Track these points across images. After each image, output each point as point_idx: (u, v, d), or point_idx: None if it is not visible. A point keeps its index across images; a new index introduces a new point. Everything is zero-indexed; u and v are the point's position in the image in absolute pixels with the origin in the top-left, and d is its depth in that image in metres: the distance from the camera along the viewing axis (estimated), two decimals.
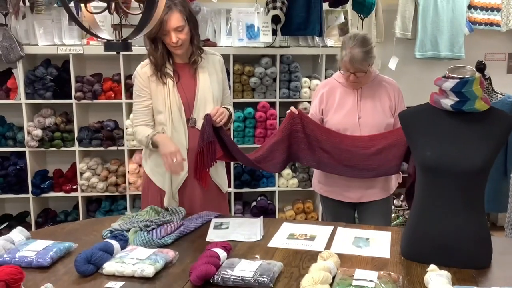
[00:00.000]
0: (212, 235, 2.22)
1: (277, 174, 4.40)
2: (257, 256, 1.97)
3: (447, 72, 1.88)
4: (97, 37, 1.88)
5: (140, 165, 4.30)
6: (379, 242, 2.12)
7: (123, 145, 4.30)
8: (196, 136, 2.49)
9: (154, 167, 2.61)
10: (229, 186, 2.78)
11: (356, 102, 2.68)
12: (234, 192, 4.43)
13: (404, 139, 2.41)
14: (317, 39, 4.35)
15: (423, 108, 2.00)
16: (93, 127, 4.31)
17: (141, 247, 2.01)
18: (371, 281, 1.66)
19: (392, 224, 3.33)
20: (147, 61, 2.55)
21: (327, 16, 4.45)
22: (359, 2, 4.13)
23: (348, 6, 4.33)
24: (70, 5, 1.96)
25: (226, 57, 2.75)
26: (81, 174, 4.32)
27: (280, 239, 2.17)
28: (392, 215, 3.02)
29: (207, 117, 2.44)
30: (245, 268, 1.77)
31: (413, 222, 1.99)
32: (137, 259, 1.86)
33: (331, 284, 1.67)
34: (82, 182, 4.30)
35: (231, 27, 4.27)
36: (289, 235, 2.22)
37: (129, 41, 1.85)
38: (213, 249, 1.88)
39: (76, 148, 4.27)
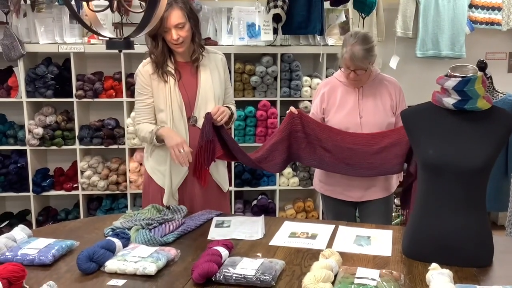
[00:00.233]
0: (214, 233, 2.23)
1: (277, 173, 4.40)
2: (259, 254, 1.98)
3: (449, 71, 1.88)
4: (99, 35, 1.89)
5: (141, 164, 4.30)
6: (381, 241, 2.13)
7: (124, 144, 4.30)
8: (197, 135, 2.49)
9: (155, 166, 2.61)
10: (230, 185, 2.77)
11: (357, 101, 2.68)
12: (235, 191, 4.44)
13: (405, 138, 2.41)
14: (318, 38, 4.35)
15: (425, 107, 2.00)
16: (94, 126, 4.31)
17: (143, 245, 2.01)
18: (373, 279, 1.66)
19: (393, 223, 3.33)
20: (148, 59, 2.55)
21: (328, 15, 4.45)
22: (360, 1, 4.12)
23: (349, 5, 4.33)
24: (71, 3, 1.96)
25: (227, 56, 2.75)
26: (82, 172, 4.32)
27: (282, 238, 2.17)
28: (393, 214, 3.02)
29: (208, 116, 2.44)
30: (247, 266, 1.77)
31: (414, 220, 1.99)
32: (139, 257, 1.86)
33: (333, 283, 1.67)
34: (83, 180, 4.30)
35: (232, 25, 4.28)
36: (291, 233, 2.22)
37: (131, 39, 1.85)
38: (215, 247, 1.88)
39: (77, 146, 4.28)
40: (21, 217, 4.45)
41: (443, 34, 4.53)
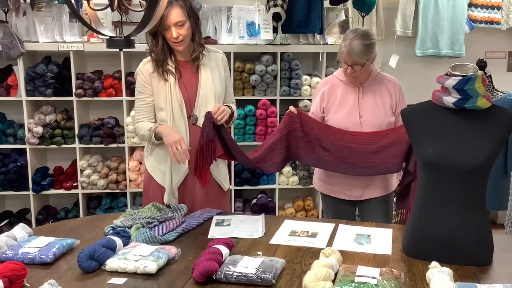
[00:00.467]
0: (214, 232, 2.23)
1: (276, 172, 4.40)
2: (259, 253, 1.98)
3: (450, 70, 1.89)
4: (100, 33, 1.89)
5: (140, 163, 4.31)
6: (381, 239, 2.13)
7: (124, 143, 4.30)
8: (197, 134, 2.50)
9: (156, 164, 2.61)
10: (230, 184, 2.77)
11: (357, 101, 2.67)
12: (235, 190, 4.44)
13: (404, 138, 2.42)
14: (317, 36, 4.35)
15: (425, 106, 2.01)
16: (93, 124, 4.31)
17: (144, 243, 2.01)
18: (373, 277, 1.66)
19: (393, 221, 3.33)
20: (149, 58, 2.55)
21: (328, 13, 4.45)
22: (360, 0, 4.13)
23: (349, 4, 4.33)
24: (71, 1, 1.96)
25: (226, 55, 2.75)
26: (82, 171, 4.32)
27: (282, 236, 2.18)
28: (393, 212, 3.02)
29: (208, 115, 2.44)
30: (247, 265, 1.78)
31: (415, 219, 1.99)
32: (140, 256, 1.86)
33: (333, 281, 1.68)
34: (83, 179, 4.30)
35: (232, 24, 4.27)
36: (291, 232, 2.22)
37: (132, 38, 1.85)
38: (216, 246, 1.88)
39: (77, 145, 4.28)
40: (21, 216, 4.45)
41: (442, 33, 4.53)
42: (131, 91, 4.12)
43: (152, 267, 1.80)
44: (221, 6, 4.35)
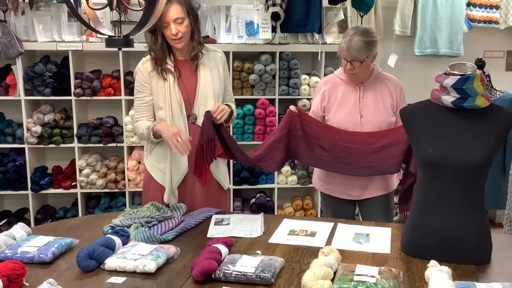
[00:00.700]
0: (213, 231, 2.23)
1: (276, 171, 4.40)
2: (258, 252, 1.98)
3: (448, 69, 1.89)
4: (99, 33, 1.89)
5: (139, 162, 4.31)
6: (380, 238, 2.13)
7: (123, 142, 4.30)
8: (196, 133, 2.50)
9: (155, 164, 2.61)
10: (229, 183, 2.77)
11: (358, 100, 2.67)
12: (233, 189, 4.44)
13: (404, 138, 2.42)
14: (316, 36, 4.35)
15: (424, 105, 2.01)
16: (92, 124, 4.31)
17: (143, 242, 2.01)
18: (372, 276, 1.66)
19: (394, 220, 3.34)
20: (148, 57, 2.55)
21: (327, 13, 4.45)
22: None
23: (348, 3, 4.32)
24: (70, 0, 1.96)
25: (225, 54, 2.75)
26: (80, 170, 4.32)
27: (281, 235, 2.18)
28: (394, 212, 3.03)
29: (207, 114, 2.44)
30: (246, 264, 1.78)
31: (413, 218, 2.00)
32: (139, 255, 1.86)
33: (332, 280, 1.68)
34: (81, 178, 4.30)
35: (231, 24, 4.27)
36: (290, 231, 2.23)
37: (131, 37, 1.85)
38: (215, 245, 1.88)
39: (75, 144, 4.27)
40: (20, 216, 4.45)
41: (441, 32, 4.54)
42: (130, 90, 4.12)
43: (151, 266, 1.80)
44: (220, 5, 4.35)
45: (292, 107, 2.63)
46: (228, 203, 2.82)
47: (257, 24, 4.18)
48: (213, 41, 4.22)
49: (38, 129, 4.18)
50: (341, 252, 1.90)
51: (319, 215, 4.50)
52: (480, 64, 3.47)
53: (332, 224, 2.30)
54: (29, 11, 4.10)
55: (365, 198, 2.75)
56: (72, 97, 4.18)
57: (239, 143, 2.66)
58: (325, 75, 4.33)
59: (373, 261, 1.92)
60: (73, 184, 4.34)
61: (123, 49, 2.10)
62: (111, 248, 1.90)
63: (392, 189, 2.79)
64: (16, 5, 4.04)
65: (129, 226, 2.18)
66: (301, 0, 4.09)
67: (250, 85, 4.32)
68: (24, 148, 4.24)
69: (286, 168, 4.46)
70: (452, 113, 1.91)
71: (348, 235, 2.17)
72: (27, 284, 1.71)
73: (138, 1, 2.07)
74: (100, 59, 4.38)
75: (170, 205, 2.47)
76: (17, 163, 4.27)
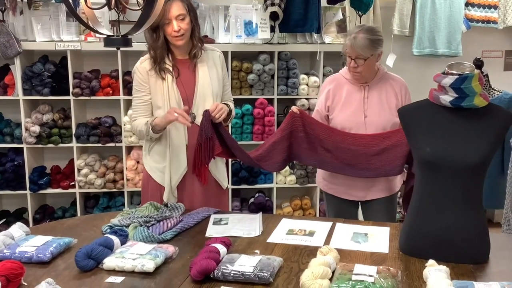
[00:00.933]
0: (212, 230, 2.23)
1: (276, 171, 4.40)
2: (256, 251, 1.98)
3: (446, 69, 1.89)
4: (97, 32, 1.89)
5: (138, 162, 4.30)
6: (378, 238, 2.13)
7: (121, 142, 4.30)
8: (195, 132, 2.50)
9: (154, 163, 2.61)
10: (228, 183, 2.77)
11: (363, 100, 2.65)
12: (232, 189, 4.44)
13: (406, 140, 2.41)
14: (315, 36, 4.35)
15: (422, 104, 2.01)
16: (91, 124, 4.30)
17: (141, 242, 2.01)
18: (370, 275, 1.66)
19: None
20: (146, 56, 2.55)
21: (325, 13, 4.45)
22: None
23: (346, 3, 4.33)
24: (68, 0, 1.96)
25: (224, 54, 2.75)
26: (79, 170, 4.31)
27: (280, 235, 2.18)
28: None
29: (206, 113, 2.44)
30: (245, 263, 1.78)
31: (412, 217, 2.00)
32: (137, 254, 1.86)
33: (330, 279, 1.68)
34: (80, 178, 4.30)
35: (229, 23, 4.27)
36: (288, 230, 2.23)
37: (129, 37, 1.85)
38: (213, 245, 1.89)
39: (74, 144, 4.27)
40: (18, 215, 4.44)
41: (439, 32, 4.54)
42: (128, 90, 4.12)
43: (149, 265, 1.80)
44: (218, 5, 4.34)
45: (294, 108, 2.62)
46: (227, 202, 2.82)
47: (256, 24, 4.18)
48: (212, 41, 4.21)
49: (36, 129, 4.17)
50: (340, 251, 1.90)
51: (317, 215, 4.51)
52: (479, 64, 3.46)
53: (330, 223, 2.30)
54: (28, 10, 4.10)
55: (368, 199, 2.74)
56: (71, 97, 4.17)
57: (237, 142, 2.66)
58: (323, 75, 4.34)
59: (372, 260, 1.92)
60: (71, 184, 4.34)
61: (122, 48, 2.10)
62: (109, 248, 1.90)
63: (395, 191, 2.77)
64: (15, 5, 4.03)
65: (127, 226, 2.17)
66: (299, 0, 4.09)
67: (248, 84, 4.32)
68: (22, 148, 4.23)
69: (285, 168, 4.46)
70: (451, 112, 1.91)
71: (347, 234, 2.18)
72: (26, 284, 1.71)
73: (137, 1, 2.06)
74: (98, 59, 4.38)
75: (169, 205, 2.47)
76: (15, 163, 4.27)
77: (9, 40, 3.96)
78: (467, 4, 4.63)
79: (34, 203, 4.39)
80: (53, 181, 4.38)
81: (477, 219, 1.92)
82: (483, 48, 4.90)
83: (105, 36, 1.87)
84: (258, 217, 2.37)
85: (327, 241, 2.10)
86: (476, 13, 4.67)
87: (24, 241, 1.99)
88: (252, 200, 4.54)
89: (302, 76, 4.38)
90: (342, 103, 2.68)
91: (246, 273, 1.73)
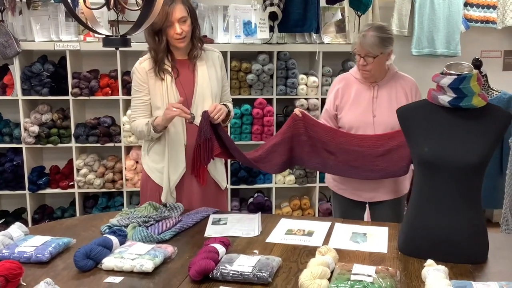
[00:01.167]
0: (211, 230, 2.23)
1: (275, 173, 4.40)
2: (255, 251, 1.98)
3: (445, 69, 1.89)
4: (96, 32, 1.89)
5: (137, 162, 4.30)
6: (377, 238, 2.14)
7: (120, 142, 4.30)
8: (194, 132, 2.50)
9: (153, 164, 2.61)
10: (227, 183, 2.77)
11: (372, 100, 2.63)
12: (231, 189, 4.44)
13: None
14: (314, 36, 4.36)
15: (420, 104, 2.02)
16: (90, 124, 4.30)
17: (140, 242, 2.01)
18: (369, 275, 1.67)
19: None
20: (145, 56, 2.55)
21: (324, 13, 4.45)
22: None
23: (345, 3, 4.34)
24: (67, 0, 1.96)
25: (223, 54, 2.75)
26: (78, 170, 4.31)
27: (278, 235, 2.18)
28: None
29: (205, 114, 2.44)
30: (244, 263, 1.78)
31: (410, 217, 2.00)
32: (136, 254, 1.86)
33: (329, 279, 1.68)
34: (79, 178, 4.30)
35: (228, 23, 4.27)
36: (287, 230, 2.23)
37: (128, 37, 1.85)
38: (212, 245, 1.89)
39: (73, 144, 4.27)
40: (17, 215, 4.44)
41: (438, 32, 4.55)
42: (127, 90, 4.12)
43: (148, 265, 1.80)
44: (217, 5, 4.35)
45: (296, 110, 2.61)
46: (225, 203, 2.82)
47: (255, 24, 4.19)
48: (211, 41, 4.22)
49: (35, 129, 4.17)
50: (338, 251, 1.90)
51: (316, 215, 4.51)
52: (477, 64, 3.47)
53: (329, 223, 2.30)
54: (27, 10, 4.10)
55: (376, 200, 2.71)
56: (70, 97, 4.17)
57: (236, 143, 2.66)
58: (322, 75, 4.35)
59: (370, 260, 1.92)
60: (70, 184, 4.34)
61: (121, 48, 2.10)
62: (108, 248, 1.90)
63: (403, 192, 2.73)
64: (14, 5, 4.04)
65: (126, 226, 2.17)
66: (298, 0, 4.10)
67: (247, 84, 4.32)
68: (21, 148, 4.23)
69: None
70: (449, 112, 1.92)
71: (345, 234, 2.18)
72: (24, 284, 1.71)
73: (136, 1, 2.06)
74: (97, 59, 4.38)
75: (168, 205, 2.47)
76: (14, 163, 4.27)
77: (8, 40, 3.96)
78: (466, 4, 4.64)
79: (33, 203, 4.39)
80: (52, 181, 4.38)
81: (476, 219, 1.92)
82: (482, 48, 4.90)
83: (104, 36, 1.87)
84: (257, 217, 2.37)
85: (326, 241, 2.10)
86: (475, 13, 4.68)
87: (23, 241, 1.99)
88: (251, 200, 4.54)
89: (301, 76, 4.38)
90: (351, 103, 2.66)
91: (245, 273, 1.73)
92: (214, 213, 2.45)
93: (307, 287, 1.62)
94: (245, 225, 2.28)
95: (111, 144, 4.31)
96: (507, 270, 1.88)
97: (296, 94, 4.37)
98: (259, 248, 2.03)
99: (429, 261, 1.77)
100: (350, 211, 2.75)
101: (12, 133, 4.24)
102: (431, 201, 1.93)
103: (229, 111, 2.62)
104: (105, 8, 1.82)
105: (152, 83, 2.53)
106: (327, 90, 4.34)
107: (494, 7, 4.67)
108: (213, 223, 2.32)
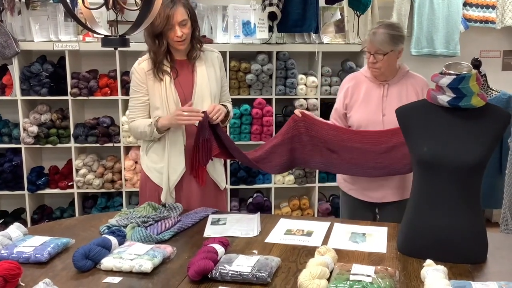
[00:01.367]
0: (210, 231, 2.23)
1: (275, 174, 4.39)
2: (254, 251, 1.98)
3: (444, 69, 1.89)
4: (95, 33, 1.89)
5: (136, 162, 4.30)
6: (376, 238, 2.13)
7: (119, 142, 4.30)
8: (193, 133, 2.50)
9: (152, 164, 2.61)
10: (226, 183, 2.77)
11: (381, 98, 2.61)
12: (230, 189, 4.44)
13: None
14: (313, 36, 4.36)
15: (420, 104, 2.02)
16: (89, 124, 4.30)
17: (139, 242, 2.01)
18: (368, 275, 1.66)
19: None
20: (144, 57, 2.55)
21: (323, 13, 4.45)
22: None
23: (344, 3, 4.34)
24: (66, 0, 1.96)
25: (222, 54, 2.75)
26: (77, 170, 4.31)
27: (278, 235, 2.18)
28: None
29: (203, 115, 2.44)
30: (243, 263, 1.78)
31: (409, 217, 2.00)
32: (135, 255, 1.86)
33: (328, 279, 1.68)
34: (78, 178, 4.29)
35: (228, 23, 4.27)
36: (286, 230, 2.23)
37: (127, 37, 1.85)
38: (211, 245, 1.88)
39: (72, 144, 4.27)
40: (16, 216, 4.44)
41: (437, 32, 4.55)
42: (126, 90, 4.12)
43: (147, 266, 1.80)
44: (216, 5, 4.35)
45: (296, 111, 2.61)
46: (225, 203, 2.82)
47: (254, 24, 4.19)
48: (210, 41, 4.22)
49: (34, 129, 4.17)
50: (338, 251, 1.90)
51: (316, 215, 4.51)
52: (477, 63, 3.47)
53: (328, 223, 2.30)
54: (26, 10, 4.10)
55: (385, 201, 2.69)
56: (69, 97, 4.17)
57: (236, 143, 2.65)
58: (322, 75, 4.35)
59: (369, 260, 1.92)
60: (69, 184, 4.34)
61: (120, 49, 2.10)
62: (107, 248, 1.90)
63: None
64: (13, 5, 4.03)
65: (125, 226, 2.17)
66: (298, 0, 4.10)
67: (247, 85, 4.32)
68: (20, 148, 4.23)
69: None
70: (448, 112, 1.92)
71: (345, 234, 2.18)
72: (23, 284, 1.71)
73: (135, 1, 2.06)
74: (96, 59, 4.38)
75: (167, 205, 2.47)
76: (13, 163, 4.26)
77: (7, 40, 3.96)
78: (465, 4, 4.64)
79: (32, 204, 4.39)
80: (51, 181, 4.38)
81: (475, 219, 1.92)
82: (481, 48, 4.90)
83: (103, 36, 1.87)
84: (256, 217, 2.37)
85: (325, 241, 2.10)
86: (474, 13, 4.68)
87: (22, 241, 1.99)
88: (250, 200, 4.54)
89: (301, 76, 4.38)
90: (361, 101, 2.65)
91: (244, 273, 1.73)
92: (213, 213, 2.44)
93: (306, 287, 1.62)
94: (244, 225, 2.28)
95: (110, 144, 4.31)
96: (506, 270, 1.88)
97: (295, 94, 4.37)
98: (258, 248, 2.03)
99: (428, 261, 1.77)
100: (358, 213, 2.73)
101: (11, 133, 4.24)
102: (430, 201, 1.93)
103: (228, 112, 2.62)
104: (104, 8, 1.82)
105: (151, 83, 2.52)
106: (326, 90, 4.36)
107: (493, 7, 4.67)
108: (212, 223, 2.32)
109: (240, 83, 4.32)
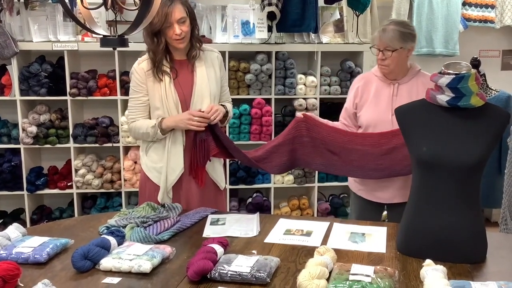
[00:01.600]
0: (209, 231, 2.23)
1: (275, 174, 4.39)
2: (254, 251, 1.98)
3: (443, 68, 1.89)
4: (94, 33, 1.88)
5: (135, 162, 4.30)
6: (375, 238, 2.13)
7: (118, 142, 4.30)
8: (192, 133, 2.50)
9: (151, 164, 2.60)
10: (225, 183, 2.77)
11: (391, 97, 2.62)
12: (230, 189, 4.44)
13: None
14: (312, 35, 4.36)
15: (419, 104, 2.01)
16: (88, 124, 4.30)
17: (138, 243, 2.01)
18: (367, 275, 1.66)
19: None
20: (144, 57, 2.55)
21: (323, 12, 4.45)
22: None
23: (344, 2, 4.34)
24: (65, 0, 1.95)
25: (221, 54, 2.75)
26: (76, 171, 4.31)
27: (277, 235, 2.18)
28: None
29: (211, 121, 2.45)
30: (242, 264, 1.78)
31: (409, 217, 2.00)
32: (134, 255, 1.86)
33: (327, 279, 1.68)
34: (77, 179, 4.29)
35: (227, 23, 4.27)
36: (286, 231, 2.22)
37: (126, 37, 1.85)
38: (210, 245, 1.88)
39: (71, 144, 4.26)
40: (15, 216, 4.43)
41: (436, 31, 4.55)
42: (125, 90, 4.11)
43: (146, 266, 1.79)
44: (215, 5, 4.34)
45: (298, 114, 2.60)
46: (224, 203, 2.82)
47: (253, 23, 4.19)
48: (209, 41, 4.21)
49: (33, 129, 4.17)
50: (337, 251, 1.90)
51: (315, 215, 4.51)
52: (476, 63, 3.47)
53: (327, 223, 2.30)
54: (24, 11, 4.10)
55: (394, 202, 2.68)
56: (68, 97, 4.17)
57: (235, 143, 2.65)
58: (321, 75, 4.35)
59: (369, 260, 1.92)
60: (69, 184, 4.33)
61: (119, 49, 2.10)
62: (106, 249, 1.90)
63: None
64: (11, 5, 4.03)
65: (124, 226, 2.17)
66: (297, 0, 4.10)
67: (246, 84, 4.32)
68: (19, 148, 4.23)
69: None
70: (447, 112, 1.91)
71: (344, 234, 2.17)
72: (22, 285, 1.70)
73: (134, 1, 2.06)
74: (95, 59, 4.38)
75: (166, 205, 2.47)
76: (12, 163, 4.26)
77: (6, 41, 3.96)
78: (464, 4, 4.64)
79: (31, 204, 4.38)
80: (51, 181, 4.38)
81: (474, 218, 1.92)
82: (480, 48, 4.91)
83: (102, 36, 1.87)
84: (255, 217, 2.36)
85: (324, 241, 2.10)
86: (473, 12, 4.68)
87: (21, 242, 1.98)
88: (250, 200, 4.54)
89: (300, 76, 4.38)
90: (370, 100, 2.65)
91: (243, 274, 1.72)
92: (212, 213, 2.44)
93: (305, 287, 1.61)
94: (244, 225, 2.27)
95: (110, 145, 4.31)
96: (505, 269, 1.88)
97: (295, 94, 4.37)
98: (258, 248, 2.02)
99: (428, 261, 1.76)
100: (367, 213, 2.73)
101: (10, 133, 4.24)
102: (430, 201, 1.92)
103: (227, 112, 2.62)
104: (103, 8, 1.82)
105: (150, 83, 2.52)
106: (325, 90, 4.36)
107: (493, 7, 4.67)
108: (212, 223, 2.32)
109: (239, 83, 4.32)
